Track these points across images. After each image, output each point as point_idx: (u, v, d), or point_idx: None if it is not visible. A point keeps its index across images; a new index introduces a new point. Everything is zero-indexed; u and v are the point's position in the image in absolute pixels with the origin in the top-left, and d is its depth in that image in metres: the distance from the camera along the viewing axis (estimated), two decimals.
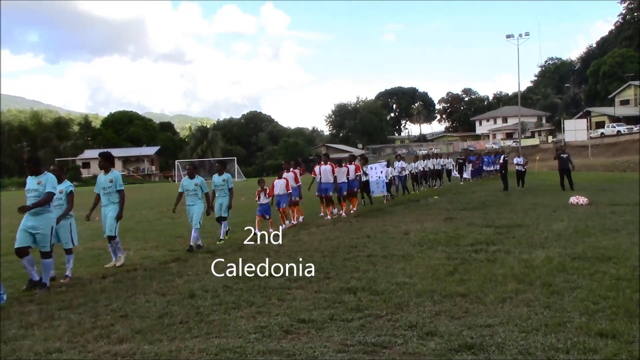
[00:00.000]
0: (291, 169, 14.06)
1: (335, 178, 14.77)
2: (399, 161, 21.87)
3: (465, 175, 30.19)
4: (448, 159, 30.52)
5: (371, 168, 17.95)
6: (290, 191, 13.20)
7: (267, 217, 12.36)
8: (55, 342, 4.95)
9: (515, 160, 24.70)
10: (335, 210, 15.33)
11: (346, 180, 15.19)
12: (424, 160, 25.53)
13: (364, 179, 17.05)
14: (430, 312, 5.36)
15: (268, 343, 4.68)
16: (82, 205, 10.78)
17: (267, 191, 12.52)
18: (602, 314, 5.04)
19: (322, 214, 15.03)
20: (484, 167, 33.33)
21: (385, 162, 19.13)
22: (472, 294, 5.93)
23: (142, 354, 4.56)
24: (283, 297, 6.19)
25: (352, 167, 15.72)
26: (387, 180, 18.52)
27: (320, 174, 14.99)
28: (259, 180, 13.21)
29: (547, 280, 6.34)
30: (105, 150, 9.71)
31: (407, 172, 22.33)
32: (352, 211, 15.69)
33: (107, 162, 8.94)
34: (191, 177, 10.49)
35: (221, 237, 11.12)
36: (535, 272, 6.82)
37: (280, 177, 13.18)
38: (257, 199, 12.63)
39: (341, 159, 16.67)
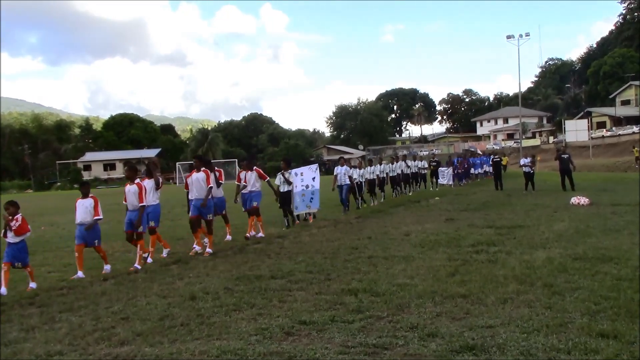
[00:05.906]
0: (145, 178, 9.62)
1: (210, 190, 10.05)
2: (342, 166, 16.38)
3: (443, 180, 26.07)
4: (422, 161, 25.65)
5: (296, 174, 13.60)
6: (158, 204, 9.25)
7: (17, 264, 7.69)
8: (56, 345, 4.96)
9: (522, 161, 22.46)
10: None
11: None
12: (380, 165, 19.80)
13: (286, 188, 13.26)
14: (431, 313, 5.36)
15: (269, 345, 4.68)
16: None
17: (18, 224, 7.64)
18: (603, 315, 5.04)
19: (195, 246, 10.11)
20: (472, 170, 31.10)
21: (316, 166, 14.99)
22: (473, 295, 5.93)
23: (143, 357, 4.56)
24: (284, 299, 6.20)
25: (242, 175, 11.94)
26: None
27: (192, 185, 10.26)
28: (7, 202, 7.86)
29: (548, 281, 6.33)
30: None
31: (359, 179, 17.21)
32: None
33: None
34: None
35: None
36: (536, 272, 6.82)
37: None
38: (3, 234, 7.77)
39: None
